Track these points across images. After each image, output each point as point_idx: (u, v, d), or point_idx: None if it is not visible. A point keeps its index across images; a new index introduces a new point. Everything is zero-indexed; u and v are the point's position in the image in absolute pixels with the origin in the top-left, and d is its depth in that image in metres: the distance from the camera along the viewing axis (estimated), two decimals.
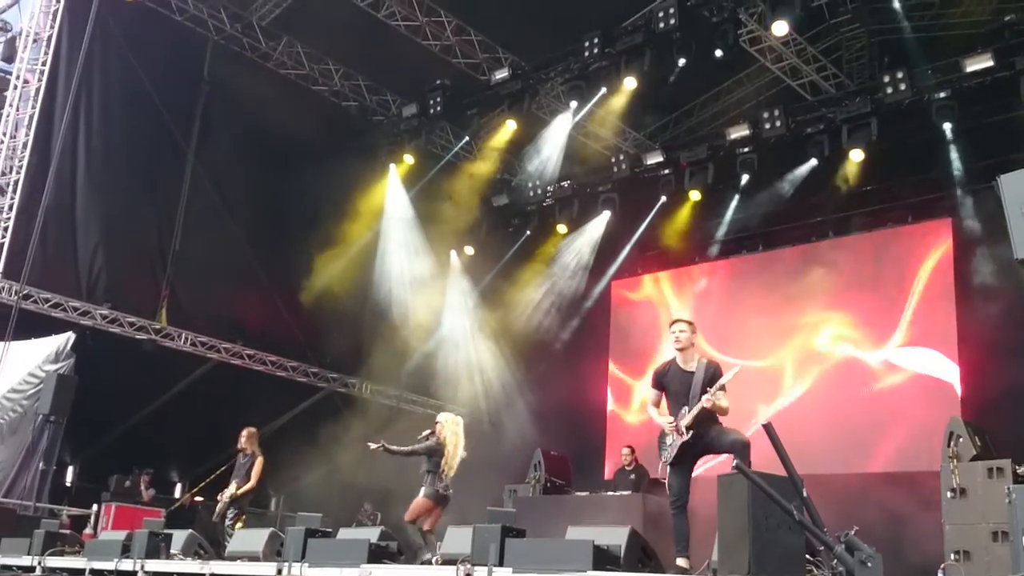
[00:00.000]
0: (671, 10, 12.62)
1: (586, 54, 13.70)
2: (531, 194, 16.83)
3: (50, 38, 13.57)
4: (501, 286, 17.67)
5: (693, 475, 6.74)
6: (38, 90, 13.42)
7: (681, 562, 6.51)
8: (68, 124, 12.90)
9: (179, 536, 8.93)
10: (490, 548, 6.14)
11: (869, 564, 4.63)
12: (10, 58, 14.20)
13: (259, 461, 10.42)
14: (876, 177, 14.18)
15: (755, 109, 14.91)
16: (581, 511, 10.69)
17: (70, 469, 15.06)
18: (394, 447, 8.79)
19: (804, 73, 14.41)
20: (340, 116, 16.75)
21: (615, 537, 6.25)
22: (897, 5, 12.99)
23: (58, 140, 12.56)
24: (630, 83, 13.86)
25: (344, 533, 8.74)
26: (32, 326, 12.28)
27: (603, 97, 14.69)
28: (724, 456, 6.63)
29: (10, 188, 13.16)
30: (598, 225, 16.96)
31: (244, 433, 10.62)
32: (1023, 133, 11.91)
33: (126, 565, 8.45)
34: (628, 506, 10.53)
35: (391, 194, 16.90)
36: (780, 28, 12.56)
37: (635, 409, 16.66)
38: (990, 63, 11.97)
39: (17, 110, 13.52)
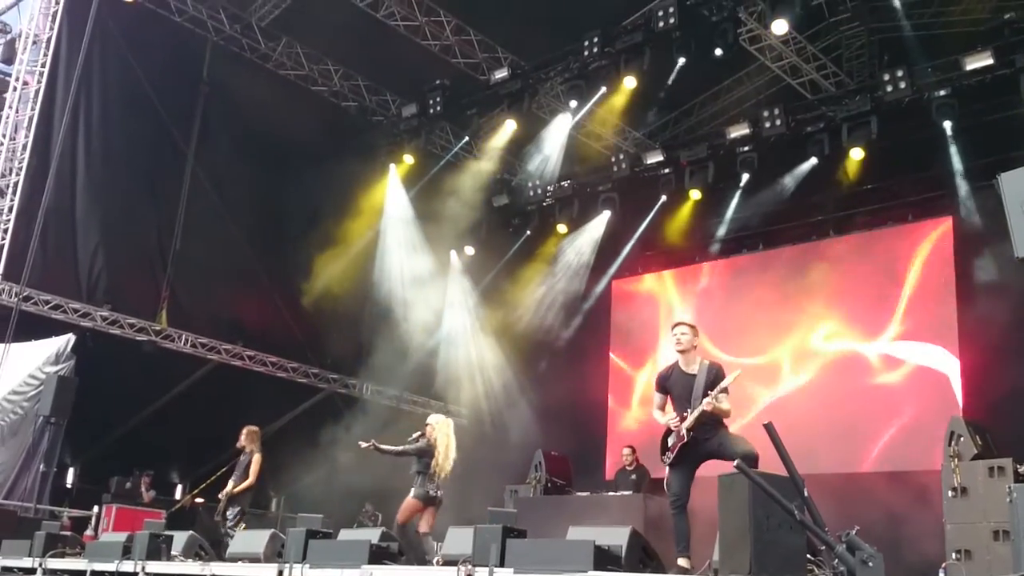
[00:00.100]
0: (671, 9, 12.59)
1: (586, 53, 13.68)
2: (531, 194, 16.82)
3: (49, 40, 13.57)
4: (501, 286, 17.67)
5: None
6: (38, 92, 13.42)
7: (682, 562, 6.51)
8: (68, 126, 12.89)
9: (180, 537, 8.92)
10: (491, 549, 6.14)
11: (870, 564, 4.62)
12: (10, 60, 14.19)
13: (256, 458, 10.39)
14: (876, 175, 14.17)
15: (755, 108, 14.90)
16: (582, 511, 10.69)
17: (71, 471, 15.07)
18: (385, 447, 8.84)
19: (804, 72, 14.40)
20: (340, 116, 16.74)
21: (616, 537, 6.25)
22: (897, 3, 12.95)
23: (58, 142, 12.55)
24: (630, 82, 13.84)
25: (345, 534, 8.75)
26: (32, 328, 12.28)
27: (603, 96, 14.66)
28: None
29: (10, 190, 13.16)
30: (598, 224, 16.94)
31: (244, 431, 10.63)
32: (1023, 131, 11.89)
33: (127, 567, 8.45)
34: (629, 506, 10.53)
35: (391, 194, 16.89)
36: (780, 27, 12.56)
37: (636, 408, 16.65)
38: (990, 61, 11.95)
39: (17, 112, 13.52)
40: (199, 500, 13.57)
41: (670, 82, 14.19)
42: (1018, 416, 11.07)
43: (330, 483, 13.57)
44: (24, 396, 12.45)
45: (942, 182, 13.68)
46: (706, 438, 6.60)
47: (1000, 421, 10.51)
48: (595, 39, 13.51)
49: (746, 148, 14.49)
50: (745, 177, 15.00)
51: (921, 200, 14.15)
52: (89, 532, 12.04)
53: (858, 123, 13.25)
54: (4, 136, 13.40)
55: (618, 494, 11.47)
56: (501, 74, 14.72)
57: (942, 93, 12.63)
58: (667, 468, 6.78)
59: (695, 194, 15.49)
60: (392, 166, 16.75)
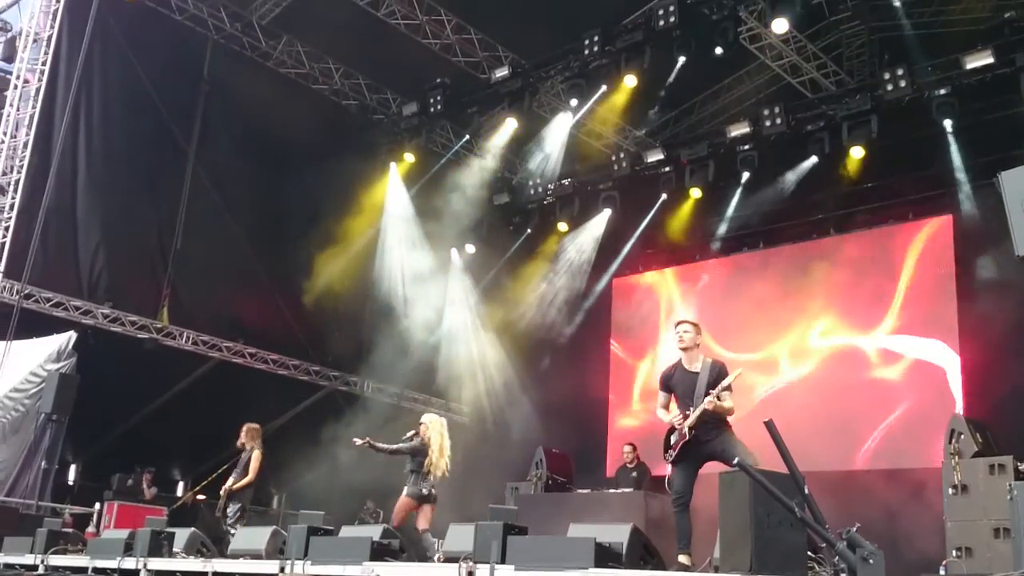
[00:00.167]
0: (671, 8, 12.61)
1: (586, 52, 13.69)
2: (532, 192, 16.83)
3: (50, 38, 13.58)
4: (502, 284, 17.68)
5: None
6: (38, 90, 13.43)
7: (683, 559, 6.54)
8: (68, 124, 12.90)
9: (181, 534, 8.92)
10: (492, 546, 6.15)
11: (871, 561, 4.63)
12: (10, 58, 14.20)
13: (257, 455, 10.40)
14: (877, 174, 14.17)
15: (755, 106, 14.90)
16: (583, 509, 10.71)
17: (72, 468, 15.09)
18: (379, 444, 8.93)
19: (804, 70, 14.41)
20: (340, 115, 16.76)
21: (617, 534, 6.26)
22: (897, 2, 12.96)
23: (59, 140, 12.56)
24: (630, 81, 13.85)
25: (346, 531, 8.75)
26: (34, 325, 12.29)
27: (603, 95, 14.66)
28: None
29: (11, 188, 13.17)
30: (599, 223, 16.94)
31: (244, 429, 10.64)
32: (1023, 130, 11.90)
33: (129, 563, 8.46)
34: (630, 504, 10.54)
35: (392, 192, 16.90)
36: (780, 25, 12.56)
37: (637, 406, 16.68)
38: (990, 60, 11.96)
39: (17, 110, 13.53)
40: (201, 497, 13.56)
41: (671, 81, 14.21)
42: (1019, 414, 11.09)
43: (331, 480, 13.58)
44: (26, 393, 12.46)
45: (942, 181, 13.69)
46: (708, 439, 6.62)
47: (1000, 419, 10.53)
48: (596, 38, 13.52)
49: (746, 147, 14.49)
50: (745, 176, 15.00)
51: (921, 198, 14.15)
52: (91, 529, 12.04)
53: (858, 122, 13.25)
54: (5, 134, 13.41)
55: (619, 491, 11.48)
56: (502, 73, 14.73)
57: (942, 92, 12.63)
58: (670, 466, 6.81)
59: (695, 192, 15.50)
60: (393, 164, 16.77)
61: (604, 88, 14.38)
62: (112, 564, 8.58)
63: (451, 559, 6.88)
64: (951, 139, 13.23)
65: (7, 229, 12.98)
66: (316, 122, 15.84)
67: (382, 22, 14.55)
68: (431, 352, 17.01)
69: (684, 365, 6.90)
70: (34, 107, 13.38)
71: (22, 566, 9.30)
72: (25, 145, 13.28)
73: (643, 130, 16.88)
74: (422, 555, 8.17)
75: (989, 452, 8.97)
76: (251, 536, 8.86)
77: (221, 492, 10.43)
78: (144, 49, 14.38)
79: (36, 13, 13.81)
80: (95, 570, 8.75)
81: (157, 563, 8.37)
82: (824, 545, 5.10)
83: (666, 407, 6.97)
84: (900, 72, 12.57)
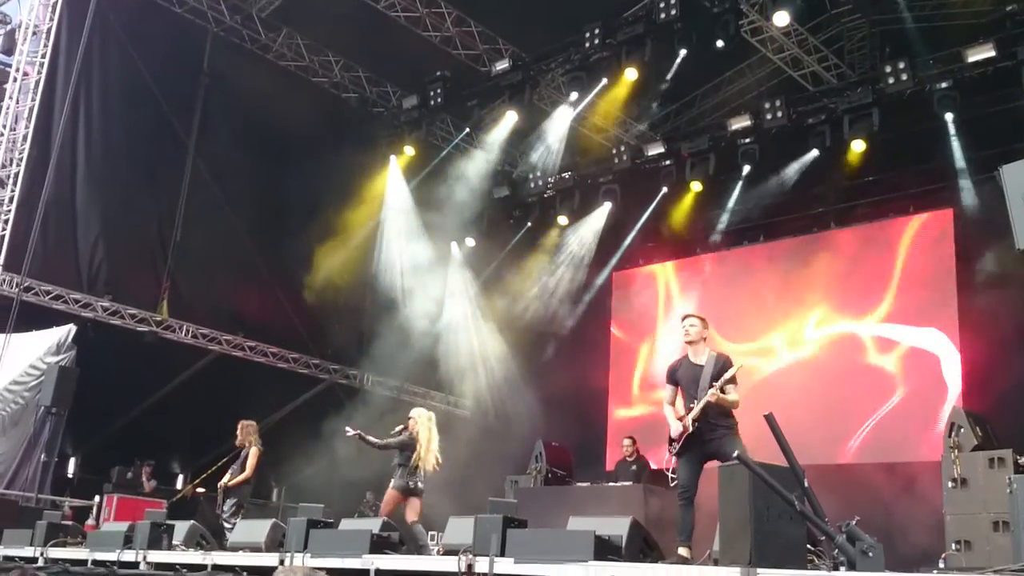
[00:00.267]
0: (672, 1, 12.57)
1: (587, 45, 13.66)
2: (532, 185, 16.81)
3: (49, 30, 13.55)
4: (502, 277, 17.67)
5: None
6: (38, 83, 13.40)
7: (683, 551, 6.54)
8: (68, 116, 12.89)
9: (181, 527, 8.94)
10: (492, 538, 6.15)
11: (870, 554, 4.63)
12: (9, 50, 14.17)
13: (253, 452, 10.45)
14: (878, 167, 14.16)
15: (756, 100, 14.86)
16: (582, 502, 10.72)
17: (72, 461, 15.09)
18: (369, 438, 9.09)
19: (805, 63, 14.36)
20: (340, 108, 16.73)
21: (617, 527, 6.26)
22: None
23: (58, 132, 12.55)
24: (631, 74, 13.83)
25: (346, 524, 8.75)
26: (33, 318, 12.29)
27: (604, 88, 14.64)
28: None
29: (10, 181, 13.15)
30: (599, 216, 16.94)
31: (239, 427, 10.69)
32: None
33: (128, 556, 8.48)
34: (629, 497, 10.54)
35: (392, 185, 16.89)
36: (781, 18, 12.54)
37: (637, 400, 16.68)
38: (992, 53, 11.94)
39: (17, 103, 13.51)
40: (200, 490, 13.59)
41: (671, 74, 14.21)
42: (1019, 407, 11.10)
43: (331, 473, 13.60)
44: (25, 386, 12.45)
45: (943, 174, 13.67)
46: (712, 437, 6.62)
47: (1000, 412, 10.53)
48: (596, 30, 13.49)
49: (747, 140, 14.47)
50: (746, 169, 14.99)
51: (922, 192, 14.13)
52: (90, 522, 12.06)
53: (859, 115, 13.24)
54: (4, 127, 13.39)
55: (618, 484, 11.48)
56: (502, 66, 14.69)
57: (944, 85, 12.61)
58: (674, 459, 6.83)
59: (696, 186, 15.50)
60: (393, 157, 16.75)
61: (605, 81, 14.36)
62: (112, 557, 8.59)
63: (451, 552, 6.88)
64: (952, 132, 13.22)
65: (6, 222, 12.97)
66: (316, 115, 15.83)
67: (382, 15, 14.51)
68: (431, 345, 17.01)
69: (690, 358, 6.98)
70: (33, 100, 13.36)
71: (22, 558, 9.30)
72: (24, 138, 13.26)
73: (644, 123, 16.84)
74: (416, 544, 8.21)
75: (989, 446, 8.95)
76: (250, 529, 8.87)
77: (218, 487, 10.46)
78: (144, 42, 14.35)
79: (35, 6, 13.77)
80: (95, 562, 8.75)
81: (156, 556, 8.38)
82: (824, 538, 5.10)
83: (672, 402, 7.01)
84: (901, 65, 12.55)
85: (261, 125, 15.04)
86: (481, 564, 6.09)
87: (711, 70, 15.86)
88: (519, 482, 12.60)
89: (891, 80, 12.65)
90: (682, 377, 6.94)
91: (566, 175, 16.50)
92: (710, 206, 16.21)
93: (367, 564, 6.80)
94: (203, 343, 14.96)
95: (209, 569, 7.80)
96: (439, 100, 15.33)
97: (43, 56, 13.48)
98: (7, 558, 9.39)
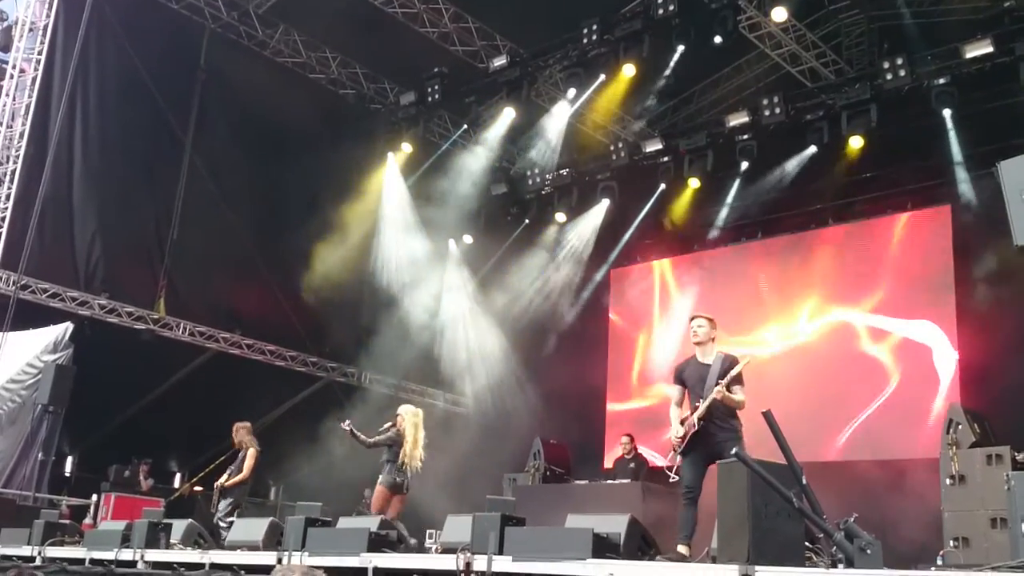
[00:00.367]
0: None
1: (584, 41, 13.63)
2: (530, 182, 16.76)
3: (46, 27, 13.51)
4: (500, 274, 17.63)
5: None
6: (34, 79, 13.37)
7: (681, 549, 6.54)
8: (65, 113, 12.85)
9: (179, 526, 8.92)
10: (490, 536, 6.14)
11: (868, 551, 4.62)
12: (6, 47, 14.11)
13: (251, 453, 10.46)
14: (876, 163, 14.14)
15: (754, 96, 14.85)
16: (581, 500, 10.73)
17: (69, 459, 15.04)
18: (360, 435, 9.24)
19: (803, 59, 14.36)
20: (338, 104, 16.69)
21: (615, 525, 6.24)
22: None
23: (55, 129, 12.53)
24: (629, 70, 13.80)
25: (344, 522, 8.74)
26: (30, 316, 12.25)
27: (602, 84, 14.62)
28: None
29: (7, 178, 13.12)
30: (597, 213, 16.91)
31: (234, 429, 10.71)
32: (1023, 119, 11.87)
33: (126, 555, 8.46)
34: (627, 495, 10.55)
35: (389, 182, 16.84)
36: (779, 14, 12.55)
37: (634, 395, 16.68)
38: (990, 49, 11.91)
39: (14, 99, 13.48)
40: (198, 488, 13.59)
41: (669, 70, 14.17)
42: (1016, 404, 11.09)
43: (329, 471, 13.58)
44: (22, 385, 12.43)
45: (941, 170, 13.66)
46: (718, 439, 6.59)
47: (998, 409, 10.54)
48: (594, 26, 13.46)
49: (745, 136, 14.44)
50: (744, 165, 14.96)
51: (920, 188, 14.12)
52: (88, 520, 12.05)
53: (858, 111, 13.21)
54: (1, 124, 13.35)
55: (616, 482, 11.49)
56: (500, 62, 14.66)
57: (942, 81, 12.59)
58: (679, 458, 6.83)
59: (694, 182, 15.48)
60: (390, 154, 16.70)
61: (603, 77, 14.34)
62: (109, 555, 8.57)
63: (449, 550, 6.87)
64: (950, 128, 13.19)
65: (3, 220, 12.93)
66: (313, 112, 15.79)
67: (379, 11, 14.48)
68: (429, 343, 16.99)
69: (698, 358, 6.98)
70: (30, 96, 13.32)
71: (19, 557, 9.29)
72: (21, 135, 13.22)
73: (642, 120, 16.82)
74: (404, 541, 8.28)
75: (987, 442, 8.98)
76: (248, 527, 8.85)
77: (214, 487, 10.46)
78: (140, 38, 14.30)
79: (32, 2, 13.74)
80: (92, 561, 8.73)
81: (154, 554, 8.36)
82: (822, 535, 5.09)
83: (680, 403, 6.99)
84: (899, 61, 12.53)
85: (258, 122, 15.01)
86: (479, 562, 6.08)
87: (709, 66, 15.85)
88: (517, 480, 12.61)
89: (889, 76, 12.63)
90: (689, 377, 6.93)
91: (564, 172, 16.47)
92: (708, 203, 16.20)
93: (365, 562, 6.78)
94: (200, 341, 14.94)
95: (207, 568, 7.79)
96: (437, 96, 15.30)
97: (40, 53, 13.44)
98: (4, 557, 9.36)
